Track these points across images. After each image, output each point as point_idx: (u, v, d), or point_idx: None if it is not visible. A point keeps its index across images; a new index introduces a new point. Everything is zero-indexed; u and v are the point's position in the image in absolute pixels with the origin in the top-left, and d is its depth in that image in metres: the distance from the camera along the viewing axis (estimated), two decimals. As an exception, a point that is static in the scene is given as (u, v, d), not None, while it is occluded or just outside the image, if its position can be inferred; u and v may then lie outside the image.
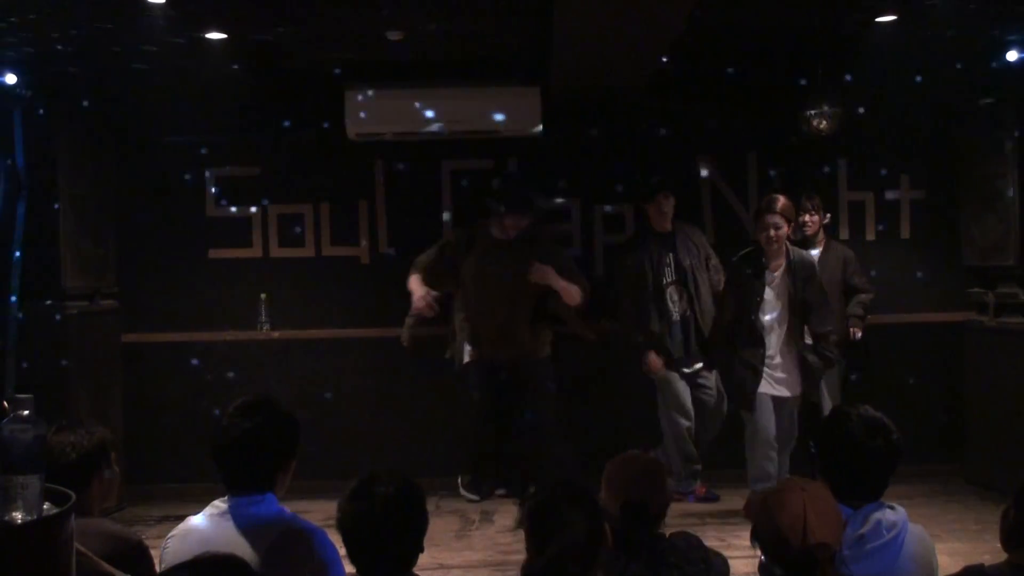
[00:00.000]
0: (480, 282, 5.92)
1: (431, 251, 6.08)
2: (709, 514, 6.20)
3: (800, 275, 5.87)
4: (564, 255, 6.19)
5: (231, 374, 6.98)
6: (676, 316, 6.36)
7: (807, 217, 6.50)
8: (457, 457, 6.64)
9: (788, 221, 5.90)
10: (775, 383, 5.87)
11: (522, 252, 5.85)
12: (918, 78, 6.73)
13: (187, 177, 7.07)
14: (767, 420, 5.86)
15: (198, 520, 2.83)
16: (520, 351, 5.93)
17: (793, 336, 5.92)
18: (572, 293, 5.85)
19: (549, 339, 6.11)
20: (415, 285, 5.86)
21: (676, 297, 6.37)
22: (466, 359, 6.13)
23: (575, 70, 5.94)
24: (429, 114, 6.64)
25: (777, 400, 5.89)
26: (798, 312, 5.89)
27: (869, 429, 2.84)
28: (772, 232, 5.82)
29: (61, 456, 2.82)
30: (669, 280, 6.37)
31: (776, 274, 5.89)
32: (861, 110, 6.90)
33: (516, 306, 5.89)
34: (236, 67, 6.36)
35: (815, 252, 6.42)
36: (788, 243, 5.98)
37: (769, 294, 5.86)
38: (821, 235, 6.59)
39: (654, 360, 6.32)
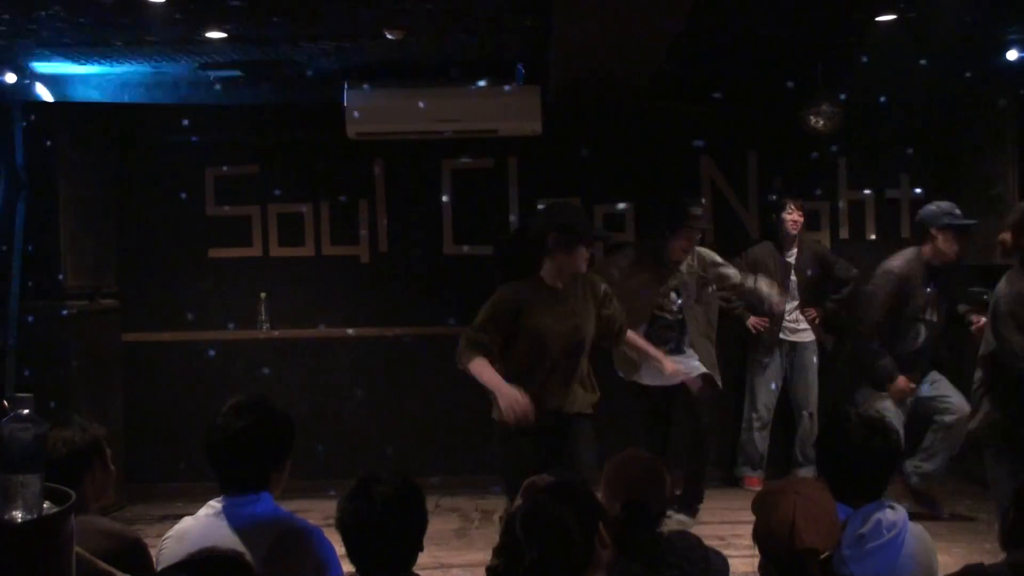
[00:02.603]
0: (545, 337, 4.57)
1: (482, 321, 4.53)
2: (709, 514, 6.21)
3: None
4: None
5: (231, 373, 6.98)
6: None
7: (798, 215, 6.68)
8: (457, 456, 6.64)
9: None
10: None
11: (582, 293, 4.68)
12: (918, 77, 6.73)
13: (187, 177, 7.08)
14: None
15: (193, 521, 2.83)
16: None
17: None
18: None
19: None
20: (494, 378, 4.40)
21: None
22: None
23: (575, 70, 5.93)
24: (429, 113, 6.64)
25: None
26: None
27: (868, 429, 2.85)
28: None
29: (52, 451, 2.80)
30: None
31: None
32: (861, 110, 6.90)
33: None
34: (236, 66, 6.36)
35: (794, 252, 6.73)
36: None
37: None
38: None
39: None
